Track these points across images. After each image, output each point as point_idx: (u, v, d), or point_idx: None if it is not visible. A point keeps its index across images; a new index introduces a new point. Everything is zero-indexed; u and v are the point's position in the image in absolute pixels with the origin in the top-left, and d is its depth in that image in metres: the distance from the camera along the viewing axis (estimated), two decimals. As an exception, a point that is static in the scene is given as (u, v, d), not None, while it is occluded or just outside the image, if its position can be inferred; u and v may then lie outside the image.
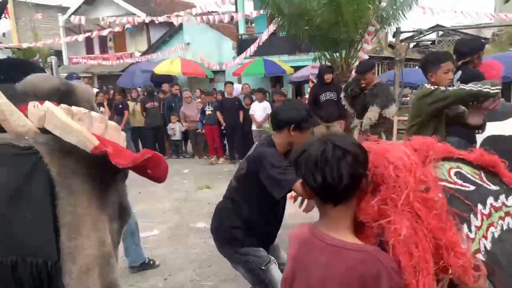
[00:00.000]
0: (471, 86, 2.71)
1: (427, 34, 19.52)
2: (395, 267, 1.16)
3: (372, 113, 5.02)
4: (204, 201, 6.25)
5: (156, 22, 13.51)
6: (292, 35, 8.02)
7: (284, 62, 14.68)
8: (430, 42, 22.13)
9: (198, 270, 4.00)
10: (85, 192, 1.66)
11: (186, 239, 4.78)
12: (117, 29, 12.37)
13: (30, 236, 1.63)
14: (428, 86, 3.01)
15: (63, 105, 1.79)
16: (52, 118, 1.79)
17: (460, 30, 19.28)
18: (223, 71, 15.92)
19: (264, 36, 11.06)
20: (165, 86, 10.74)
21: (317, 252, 1.26)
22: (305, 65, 13.65)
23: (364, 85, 5.11)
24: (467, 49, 3.63)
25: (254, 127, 8.80)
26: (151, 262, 4.05)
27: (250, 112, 8.79)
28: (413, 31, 7.72)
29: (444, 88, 2.81)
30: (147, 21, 13.28)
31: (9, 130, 1.77)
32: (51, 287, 1.59)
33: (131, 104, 10.38)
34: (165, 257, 4.27)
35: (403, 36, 14.62)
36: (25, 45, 12.65)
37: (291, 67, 14.46)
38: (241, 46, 15.44)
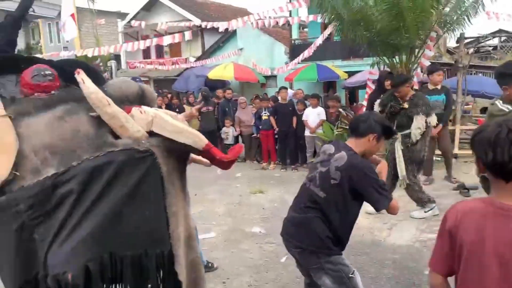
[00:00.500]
0: None
1: (489, 39, 18.65)
2: None
3: (420, 122, 5.00)
4: (257, 206, 6.27)
5: (214, 26, 13.67)
6: (349, 40, 7.88)
7: (337, 67, 14.49)
8: (492, 48, 21.09)
9: (255, 275, 3.99)
10: (179, 185, 1.96)
11: (241, 244, 4.80)
12: (177, 39, 12.67)
13: (150, 229, 1.89)
14: (499, 105, 2.85)
15: (161, 110, 2.08)
16: (162, 123, 2.04)
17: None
18: (275, 76, 15.95)
19: (319, 41, 10.96)
20: (219, 92, 10.91)
21: (505, 219, 1.38)
22: (359, 71, 13.40)
23: (405, 105, 5.11)
24: None
25: (307, 133, 8.72)
26: (210, 264, 4.09)
27: (304, 117, 8.73)
28: (477, 36, 7.37)
29: None
30: (203, 26, 13.55)
31: (125, 135, 1.94)
32: (166, 274, 1.85)
33: (187, 108, 10.64)
34: (221, 261, 4.31)
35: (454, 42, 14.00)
36: (89, 53, 13.28)
37: (345, 72, 14.24)
38: (294, 51, 15.40)
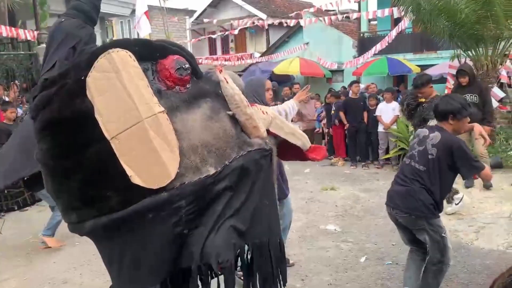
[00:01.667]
0: None
1: None
2: None
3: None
4: (330, 202, 6.14)
5: (277, 23, 13.61)
6: (428, 32, 7.47)
7: (409, 60, 13.87)
8: None
9: (335, 274, 3.89)
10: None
11: (318, 241, 4.71)
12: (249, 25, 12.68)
13: (271, 219, 2.07)
14: None
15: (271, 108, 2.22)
16: (281, 124, 2.24)
17: None
18: (341, 71, 15.59)
19: (393, 33, 10.53)
20: (286, 89, 10.84)
21: None
22: (432, 64, 12.75)
23: (422, 99, 4.96)
24: None
25: (380, 129, 8.41)
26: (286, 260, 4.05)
27: (377, 112, 8.42)
28: None
29: None
30: (269, 22, 13.47)
31: (255, 134, 2.06)
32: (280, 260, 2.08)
33: (254, 103, 10.71)
34: (298, 257, 4.25)
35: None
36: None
37: (417, 66, 13.60)
38: (362, 44, 14.97)
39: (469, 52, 7.19)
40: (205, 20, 17.32)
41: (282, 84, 12.80)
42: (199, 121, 1.86)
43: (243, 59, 19.33)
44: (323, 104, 10.31)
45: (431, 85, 4.98)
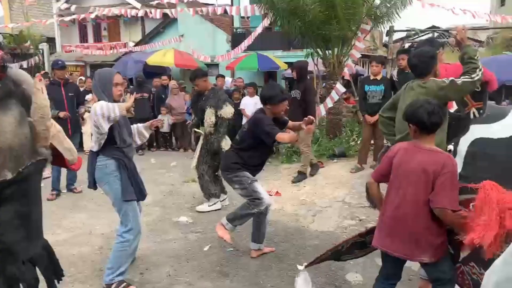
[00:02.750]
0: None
1: (423, 35, 19.54)
2: (455, 162, 2.43)
3: (207, 115, 5.19)
4: (189, 195, 6.18)
5: (150, 15, 13.17)
6: (285, 31, 7.91)
7: (278, 57, 14.59)
8: (426, 43, 22.02)
9: (176, 265, 3.93)
10: None
11: (166, 234, 4.71)
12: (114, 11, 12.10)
13: (39, 224, 2.44)
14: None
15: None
16: (62, 139, 2.64)
17: (454, 32, 19.25)
18: (217, 64, 15.80)
19: (258, 30, 10.93)
20: (156, 81, 10.61)
21: (420, 154, 2.41)
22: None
23: (198, 91, 5.51)
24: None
25: (244, 122, 8.71)
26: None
27: (241, 106, 8.70)
28: (407, 30, 7.65)
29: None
30: (140, 14, 12.99)
31: (43, 144, 2.21)
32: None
33: (120, 94, 10.29)
34: (143, 252, 4.18)
35: (398, 35, 14.53)
36: (10, 26, 12.44)
37: (285, 63, 14.36)
38: (235, 39, 15.32)
39: (319, 51, 7.77)
40: (73, 6, 16.09)
41: (157, 76, 12.52)
42: (11, 125, 1.96)
43: (116, 48, 18.43)
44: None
45: (205, 79, 5.32)
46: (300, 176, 6.53)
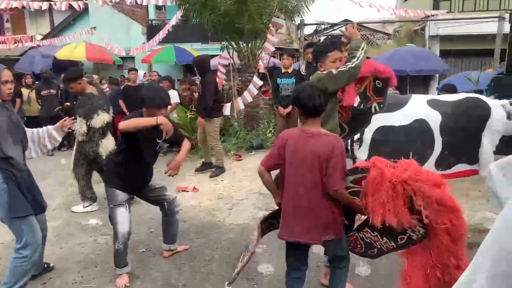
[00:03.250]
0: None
1: (336, 29, 20.33)
2: (342, 142, 2.52)
3: (78, 124, 4.87)
4: (99, 196, 5.87)
5: (55, 7, 12.27)
6: (197, 23, 7.78)
7: (196, 50, 14.37)
8: (340, 37, 22.96)
9: (83, 271, 3.73)
10: None
11: (74, 238, 4.46)
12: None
13: None
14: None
15: None
16: None
17: (365, 25, 20.30)
18: (133, 58, 15.23)
19: (172, 22, 10.67)
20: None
21: (310, 138, 2.45)
22: (217, 54, 13.50)
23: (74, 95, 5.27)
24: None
25: (160, 117, 8.49)
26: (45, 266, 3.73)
27: (156, 101, 8.46)
28: (317, 23, 7.88)
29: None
30: (44, 7, 12.03)
31: None
32: None
33: (25, 91, 9.55)
34: (48, 259, 3.91)
35: (310, 29, 14.97)
36: None
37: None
38: (151, 32, 14.87)
39: (233, 43, 7.76)
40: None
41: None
42: None
43: (21, 42, 17.07)
44: (105, 92, 9.87)
45: (80, 82, 4.92)
46: (218, 171, 6.50)
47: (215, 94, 6.44)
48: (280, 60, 16.00)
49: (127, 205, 3.45)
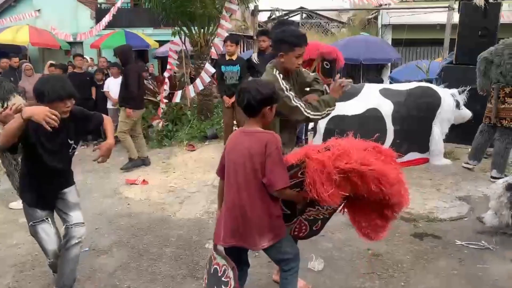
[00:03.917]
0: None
1: (292, 16, 20.28)
2: (279, 139, 2.29)
3: None
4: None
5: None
6: (148, 7, 7.42)
7: (148, 35, 13.89)
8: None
9: (19, 275, 3.44)
10: None
11: (10, 238, 4.13)
12: None
13: None
14: (273, 71, 2.84)
15: None
16: None
17: (320, 13, 20.39)
18: (81, 43, 14.52)
19: (118, 5, 10.17)
20: (4, 61, 9.27)
21: (246, 137, 2.32)
22: (170, 40, 13.10)
23: None
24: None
25: (110, 105, 8.09)
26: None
27: (105, 88, 8.05)
28: (271, 10, 7.73)
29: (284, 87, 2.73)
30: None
31: None
32: None
33: (-41, 77, 8.83)
34: (-21, 262, 3.61)
35: (265, 16, 14.81)
36: None
37: (156, 41, 13.74)
38: (100, 16, 14.16)
39: (185, 29, 7.47)
40: None
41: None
42: None
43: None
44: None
45: None
46: (130, 163, 6.31)
47: (138, 85, 6.26)
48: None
49: (49, 219, 2.93)
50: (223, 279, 2.29)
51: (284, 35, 2.92)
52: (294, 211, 2.54)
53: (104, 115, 3.12)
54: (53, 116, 2.41)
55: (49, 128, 2.43)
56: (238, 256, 2.45)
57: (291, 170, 2.32)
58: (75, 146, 2.92)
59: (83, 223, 3.01)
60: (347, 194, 2.27)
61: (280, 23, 3.90)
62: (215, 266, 2.38)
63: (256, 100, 2.27)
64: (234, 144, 2.36)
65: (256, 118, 2.34)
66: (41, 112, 2.40)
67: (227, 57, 6.49)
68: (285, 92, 2.72)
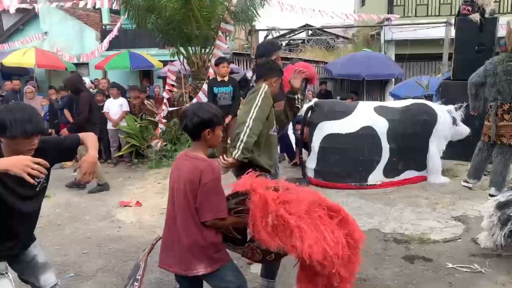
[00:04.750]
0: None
1: (294, 34, 20.37)
2: (216, 168, 2.23)
3: None
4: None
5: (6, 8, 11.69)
6: (142, 28, 7.51)
7: (152, 55, 14.03)
8: (301, 41, 23.22)
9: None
10: None
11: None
12: None
13: None
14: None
15: None
16: None
17: (326, 30, 20.48)
18: (87, 64, 14.73)
19: (117, 27, 10.31)
20: (8, 84, 9.45)
21: (186, 161, 2.28)
22: (175, 60, 13.24)
23: None
24: (260, 51, 4.09)
25: (109, 126, 8.15)
26: None
27: (105, 109, 8.12)
28: (268, 29, 7.75)
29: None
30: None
31: None
32: None
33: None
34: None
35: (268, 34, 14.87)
36: None
37: (161, 61, 13.87)
38: (105, 37, 14.39)
39: (182, 50, 7.52)
40: None
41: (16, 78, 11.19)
42: None
43: (-32, 48, 16.22)
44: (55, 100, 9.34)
45: None
46: (97, 188, 6.37)
47: (89, 113, 6.39)
48: (238, 65, 15.94)
49: (9, 274, 2.37)
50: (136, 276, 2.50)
51: (269, 64, 3.13)
52: (245, 238, 2.48)
53: (86, 133, 2.57)
54: (36, 166, 1.93)
55: (32, 181, 1.96)
56: (184, 285, 2.39)
57: (237, 198, 2.29)
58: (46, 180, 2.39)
59: (56, 283, 2.56)
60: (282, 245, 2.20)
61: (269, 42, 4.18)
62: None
63: (193, 123, 2.24)
64: (176, 167, 2.34)
65: (200, 141, 2.30)
66: (19, 163, 1.92)
67: (219, 78, 6.53)
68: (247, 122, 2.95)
